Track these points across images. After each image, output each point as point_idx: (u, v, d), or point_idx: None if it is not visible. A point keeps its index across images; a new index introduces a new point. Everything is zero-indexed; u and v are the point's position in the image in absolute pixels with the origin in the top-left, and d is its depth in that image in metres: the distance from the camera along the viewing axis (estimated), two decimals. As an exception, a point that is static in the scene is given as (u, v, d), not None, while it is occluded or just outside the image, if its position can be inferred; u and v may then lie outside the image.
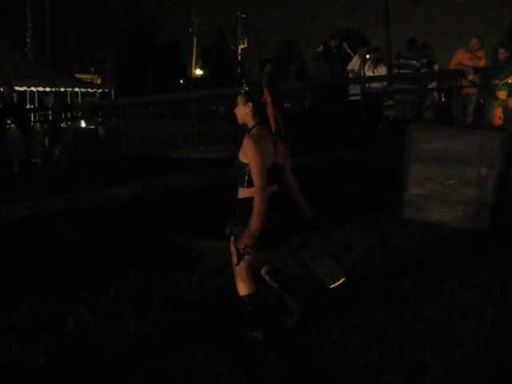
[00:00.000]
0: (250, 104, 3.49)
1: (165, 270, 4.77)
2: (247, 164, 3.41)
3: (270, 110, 3.36)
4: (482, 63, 10.75)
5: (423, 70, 11.29)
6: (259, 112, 3.53)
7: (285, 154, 3.61)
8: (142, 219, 6.60)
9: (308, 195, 3.27)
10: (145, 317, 3.99)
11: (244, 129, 3.62)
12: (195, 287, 4.41)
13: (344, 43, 13.01)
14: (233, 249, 3.50)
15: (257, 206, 3.34)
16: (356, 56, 12.28)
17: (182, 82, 43.09)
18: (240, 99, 3.54)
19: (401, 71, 11.40)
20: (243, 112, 3.54)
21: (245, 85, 3.60)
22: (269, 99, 3.37)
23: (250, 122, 3.53)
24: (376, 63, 12.24)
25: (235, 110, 3.60)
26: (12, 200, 7.85)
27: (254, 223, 3.33)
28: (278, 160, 3.53)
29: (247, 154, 3.40)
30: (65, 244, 5.81)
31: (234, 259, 3.51)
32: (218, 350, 3.51)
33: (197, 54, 47.27)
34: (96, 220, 6.81)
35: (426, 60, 11.39)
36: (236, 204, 3.56)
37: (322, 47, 12.40)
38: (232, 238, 3.51)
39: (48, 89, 17.09)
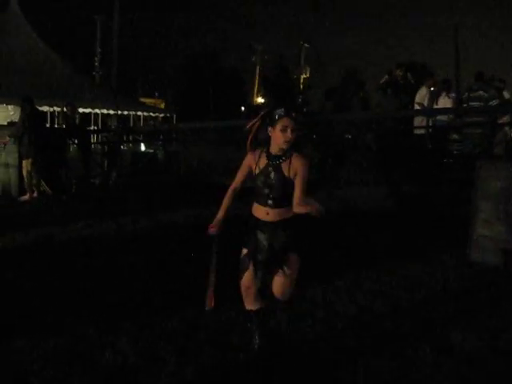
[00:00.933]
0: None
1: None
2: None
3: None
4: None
5: (493, 102, 10.78)
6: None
7: None
8: (196, 248, 6.35)
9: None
10: (188, 355, 3.73)
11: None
12: (242, 327, 4.11)
13: (409, 73, 12.71)
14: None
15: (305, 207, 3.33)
16: (424, 88, 11.90)
17: (243, 109, 43.38)
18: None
19: (470, 103, 10.94)
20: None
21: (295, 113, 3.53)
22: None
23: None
24: (440, 95, 11.85)
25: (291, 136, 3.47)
26: (65, 220, 7.82)
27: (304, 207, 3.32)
28: None
29: (302, 169, 3.41)
30: (114, 269, 5.65)
31: (293, 265, 3.52)
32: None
33: (259, 82, 47.64)
34: (148, 246, 6.66)
35: (494, 90, 10.91)
36: (276, 226, 3.56)
37: (386, 77, 12.13)
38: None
39: (112, 111, 17.46)
